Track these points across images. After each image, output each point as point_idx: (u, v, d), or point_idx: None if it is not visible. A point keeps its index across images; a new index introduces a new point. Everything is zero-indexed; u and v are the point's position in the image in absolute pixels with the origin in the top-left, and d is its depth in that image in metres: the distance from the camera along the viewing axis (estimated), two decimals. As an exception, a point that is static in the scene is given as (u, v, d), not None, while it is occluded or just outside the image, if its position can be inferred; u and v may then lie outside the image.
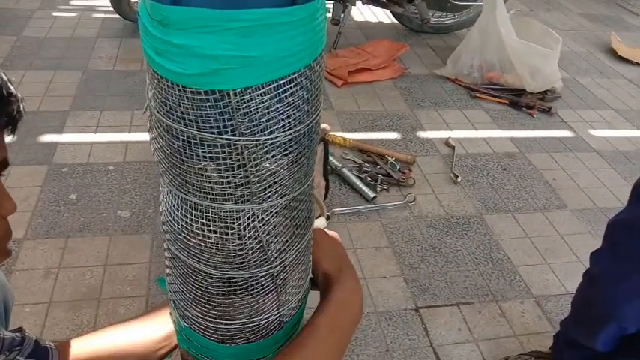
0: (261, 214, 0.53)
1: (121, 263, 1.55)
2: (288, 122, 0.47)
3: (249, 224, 0.53)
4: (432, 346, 1.42)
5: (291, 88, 0.45)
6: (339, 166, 2.00)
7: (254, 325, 0.62)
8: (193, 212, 0.53)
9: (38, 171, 1.87)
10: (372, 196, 1.89)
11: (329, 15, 2.78)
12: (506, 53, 2.60)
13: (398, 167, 2.04)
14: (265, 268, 0.57)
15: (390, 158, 2.07)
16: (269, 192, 0.52)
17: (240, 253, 0.54)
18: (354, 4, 2.92)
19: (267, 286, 0.59)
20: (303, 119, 0.49)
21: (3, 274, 0.84)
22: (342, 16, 2.81)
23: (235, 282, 0.57)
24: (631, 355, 1.02)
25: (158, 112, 0.48)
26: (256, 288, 0.58)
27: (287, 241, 0.58)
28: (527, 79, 2.60)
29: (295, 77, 0.45)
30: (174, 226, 0.55)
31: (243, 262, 0.55)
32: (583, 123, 2.60)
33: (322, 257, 0.70)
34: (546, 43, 2.62)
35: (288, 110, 0.47)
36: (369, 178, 1.97)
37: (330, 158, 2.01)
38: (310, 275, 0.68)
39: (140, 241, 1.63)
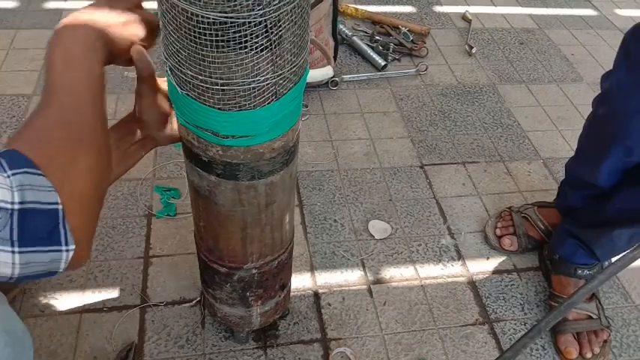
0: (252, -57, 0.51)
1: (129, 118, 1.56)
2: None
3: (239, -48, 0.51)
4: (435, 197, 1.44)
5: None
6: (350, 34, 1.94)
7: (250, 88, 0.62)
8: (181, -61, 0.51)
9: (44, 34, 1.85)
10: (383, 64, 1.85)
11: None
12: None
13: (411, 38, 1.98)
14: (259, 13, 0.55)
15: (403, 28, 2.00)
16: None
17: (231, -11, 0.53)
18: None
19: (261, 41, 0.58)
20: None
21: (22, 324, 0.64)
22: None
23: (228, 30, 0.56)
24: (635, 185, 1.02)
25: None
26: (249, 41, 0.57)
27: (280, -13, 0.56)
28: (554, -48, 2.43)
29: None
30: (163, -41, 0.53)
31: (235, 1, 0.54)
32: (608, 2, 2.46)
33: None
34: None
35: None
36: (380, 47, 1.92)
37: (341, 27, 1.95)
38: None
39: (148, 99, 1.63)
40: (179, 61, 0.62)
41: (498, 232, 1.32)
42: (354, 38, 1.92)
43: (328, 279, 1.21)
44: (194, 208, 0.84)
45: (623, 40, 0.97)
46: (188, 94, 0.64)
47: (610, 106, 0.98)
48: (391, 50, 1.91)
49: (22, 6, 1.98)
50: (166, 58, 0.64)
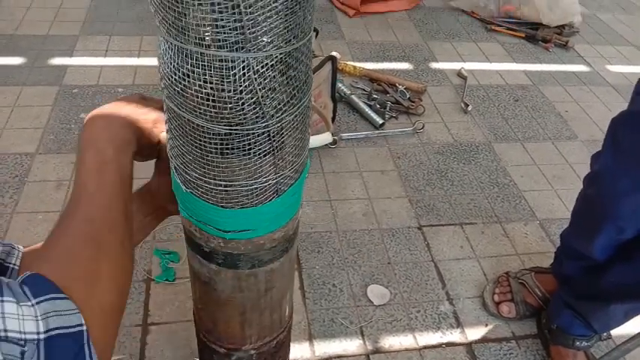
0: (257, 65, 0.53)
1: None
2: (282, -44, 0.47)
3: (244, 74, 0.53)
4: (433, 261, 1.45)
5: None
6: (348, 92, 1.98)
7: (252, 189, 0.64)
8: (189, 61, 0.53)
9: (49, 91, 1.89)
10: (380, 122, 1.89)
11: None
12: (524, -17, 2.51)
13: (408, 95, 2.03)
14: (262, 125, 0.58)
15: (400, 86, 2.05)
16: (263, 40, 0.52)
17: (235, 105, 0.55)
18: None
19: (264, 148, 0.60)
20: (298, -45, 0.48)
21: None
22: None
23: (232, 140, 0.58)
24: (629, 260, 1.03)
25: (152, -53, 0.48)
26: (253, 148, 0.59)
27: (283, 100, 0.58)
28: (545, 10, 2.52)
29: None
30: (172, 77, 0.56)
31: (239, 117, 0.56)
32: (600, 58, 2.53)
33: None
34: (567, -28, 2.53)
35: (281, -58, 0.46)
36: (378, 106, 1.96)
37: (340, 85, 2.00)
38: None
39: (149, 158, 1.65)
40: (184, 162, 0.64)
41: (496, 298, 1.32)
42: (353, 97, 1.96)
43: (327, 348, 1.21)
44: (193, 290, 0.85)
45: (610, 124, 1.00)
46: (192, 192, 0.66)
47: (599, 189, 1.01)
48: (388, 108, 1.95)
49: (29, 62, 2.02)
50: (171, 158, 0.66)
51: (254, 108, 0.56)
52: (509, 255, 1.49)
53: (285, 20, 0.52)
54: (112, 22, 2.31)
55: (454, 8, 2.73)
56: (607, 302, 1.07)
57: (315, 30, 1.67)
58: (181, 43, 0.53)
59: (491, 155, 1.84)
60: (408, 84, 2.07)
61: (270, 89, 0.56)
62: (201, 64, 0.53)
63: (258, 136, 0.59)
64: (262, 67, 0.54)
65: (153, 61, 2.08)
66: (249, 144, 0.59)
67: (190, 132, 0.59)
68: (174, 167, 0.67)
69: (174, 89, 0.57)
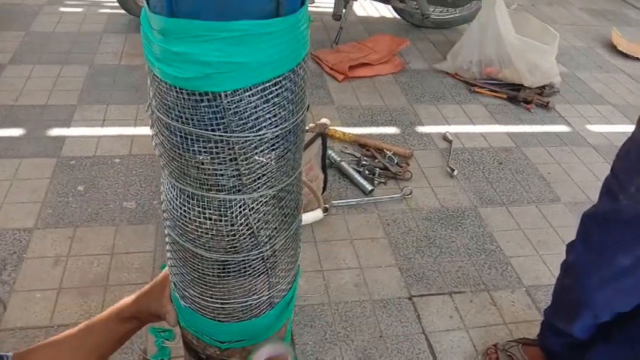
0: (252, 203, 0.59)
1: (127, 252, 1.61)
2: (275, 120, 0.53)
3: (240, 212, 0.58)
4: (424, 332, 1.48)
5: (276, 90, 0.51)
6: (338, 159, 2.05)
7: (247, 305, 0.68)
8: (190, 201, 0.59)
9: (47, 163, 1.94)
10: (370, 189, 1.95)
11: (330, 11, 2.82)
12: (504, 49, 2.64)
13: (395, 161, 2.10)
14: (256, 252, 0.63)
15: (388, 152, 2.12)
16: (258, 183, 0.58)
17: (232, 238, 0.60)
18: (356, 0, 2.97)
19: (259, 269, 0.65)
20: (289, 117, 0.54)
21: None
22: (344, 11, 2.85)
23: (229, 265, 0.63)
24: (610, 341, 1.07)
25: (158, 111, 0.54)
26: (248, 270, 0.64)
27: (276, 227, 0.63)
28: (526, 74, 2.64)
29: (280, 80, 0.50)
30: (174, 213, 0.61)
31: (236, 247, 0.61)
32: (580, 118, 2.64)
33: None
34: (544, 39, 2.66)
35: (274, 109, 0.52)
36: (367, 172, 2.03)
37: (329, 152, 2.07)
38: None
39: (145, 230, 1.69)
40: (183, 281, 0.68)
41: (486, 371, 1.35)
42: (342, 163, 2.03)
43: None
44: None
45: (581, 218, 1.07)
46: (190, 307, 0.70)
47: (574, 280, 1.07)
48: (377, 174, 2.02)
49: (27, 133, 2.08)
50: (171, 275, 0.71)
51: (249, 238, 0.61)
52: (497, 325, 1.53)
53: (278, 165, 0.58)
54: (109, 91, 2.39)
55: (439, 71, 2.85)
56: (591, 382, 1.11)
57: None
58: (184, 185, 0.58)
59: (478, 221, 1.90)
60: (396, 149, 2.15)
61: (264, 221, 0.61)
62: (202, 204, 0.58)
63: (253, 260, 0.63)
64: (257, 204, 0.59)
65: (149, 130, 2.14)
66: (245, 267, 0.64)
67: (190, 258, 0.64)
68: (174, 283, 0.71)
69: (177, 223, 0.62)
